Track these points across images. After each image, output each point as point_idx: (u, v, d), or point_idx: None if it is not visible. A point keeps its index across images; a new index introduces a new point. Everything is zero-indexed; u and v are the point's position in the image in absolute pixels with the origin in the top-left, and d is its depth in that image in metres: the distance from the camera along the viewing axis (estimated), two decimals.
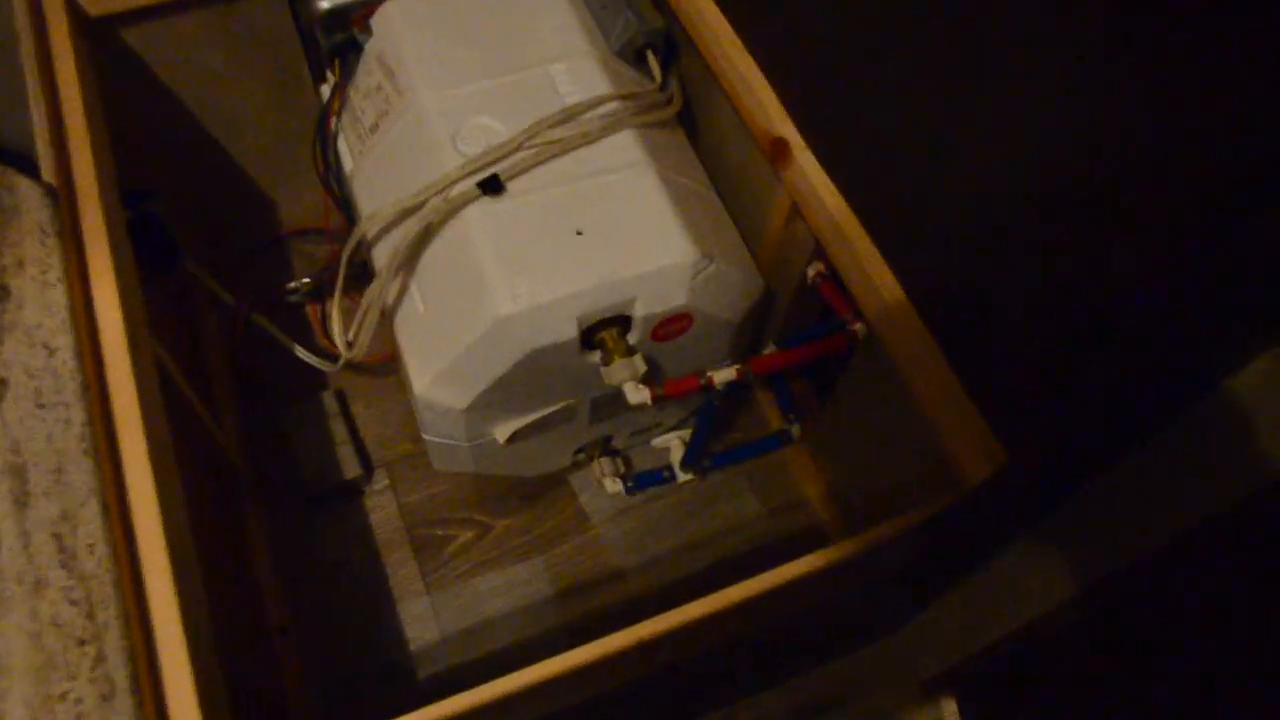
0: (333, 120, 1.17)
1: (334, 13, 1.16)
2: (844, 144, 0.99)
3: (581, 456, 1.26)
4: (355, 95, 1.15)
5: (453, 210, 0.99)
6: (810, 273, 1.11)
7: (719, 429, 1.31)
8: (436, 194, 0.98)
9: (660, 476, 1.23)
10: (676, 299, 0.99)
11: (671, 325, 1.02)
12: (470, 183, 0.98)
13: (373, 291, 0.99)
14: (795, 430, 1.28)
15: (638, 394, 0.97)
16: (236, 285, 1.28)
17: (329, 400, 1.28)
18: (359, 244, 1.04)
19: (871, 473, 1.15)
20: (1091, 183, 0.72)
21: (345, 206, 1.16)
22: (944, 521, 0.90)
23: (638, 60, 1.17)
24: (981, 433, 0.84)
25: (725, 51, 1.05)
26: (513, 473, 1.22)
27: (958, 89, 0.83)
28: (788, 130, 1.01)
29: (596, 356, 1.01)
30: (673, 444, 1.25)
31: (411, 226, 0.98)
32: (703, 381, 0.99)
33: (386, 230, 1.03)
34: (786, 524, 1.29)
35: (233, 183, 1.37)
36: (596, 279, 0.95)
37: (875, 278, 0.91)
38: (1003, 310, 0.87)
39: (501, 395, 1.01)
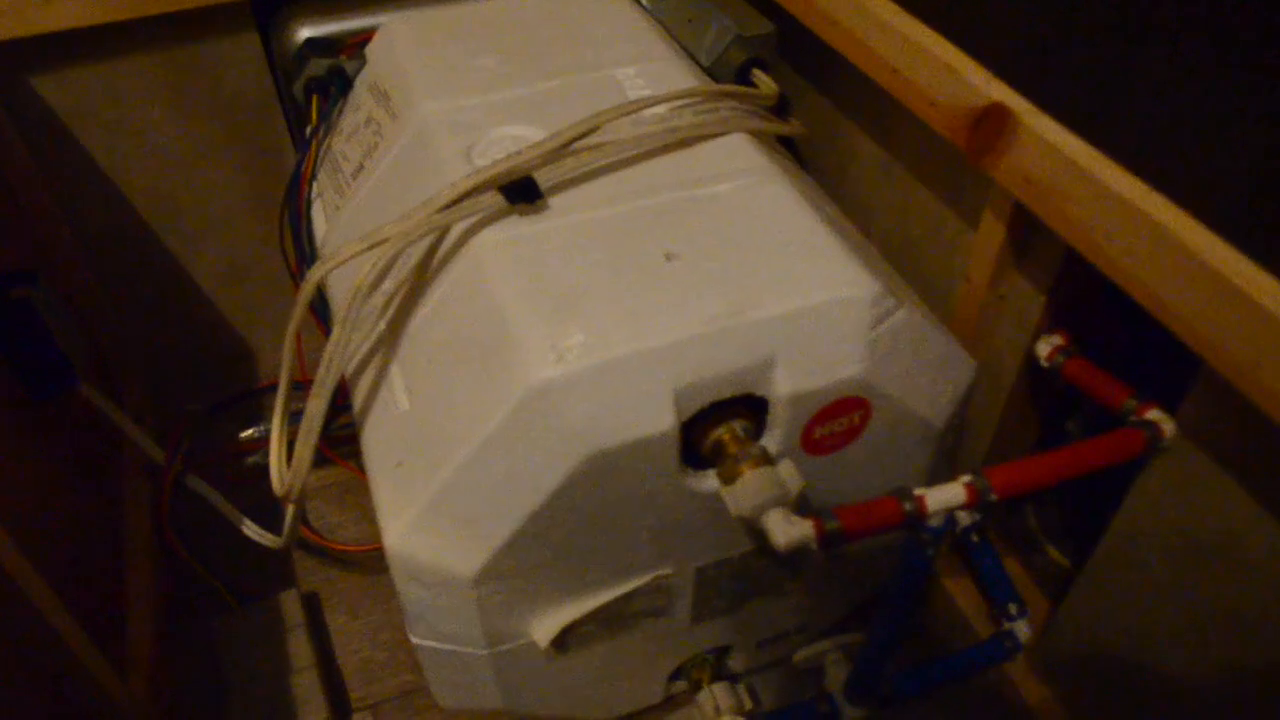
0: (306, 186, 0.81)
1: (317, 42, 0.84)
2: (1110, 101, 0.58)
3: (681, 685, 0.78)
4: (338, 142, 0.80)
5: (461, 238, 0.60)
6: (1044, 350, 0.68)
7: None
8: (435, 211, 0.59)
9: (812, 712, 0.74)
10: (847, 365, 0.56)
11: (834, 418, 0.58)
12: (488, 195, 0.59)
13: (325, 374, 0.58)
14: (1023, 631, 0.78)
15: (791, 530, 0.51)
16: (177, 439, 0.88)
17: (289, 606, 0.84)
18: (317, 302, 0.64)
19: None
20: None
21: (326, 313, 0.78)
22: None
23: (739, 80, 0.81)
24: None
25: (880, 20, 0.68)
26: (569, 714, 0.74)
27: None
28: (1001, 93, 0.61)
29: (710, 477, 0.57)
30: (829, 658, 0.76)
31: (389, 266, 0.59)
32: (906, 507, 0.53)
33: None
34: None
35: (188, 310, 1.00)
36: (703, 324, 0.53)
37: (1233, 294, 0.47)
38: None
39: (540, 552, 0.56)
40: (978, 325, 0.72)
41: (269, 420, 0.91)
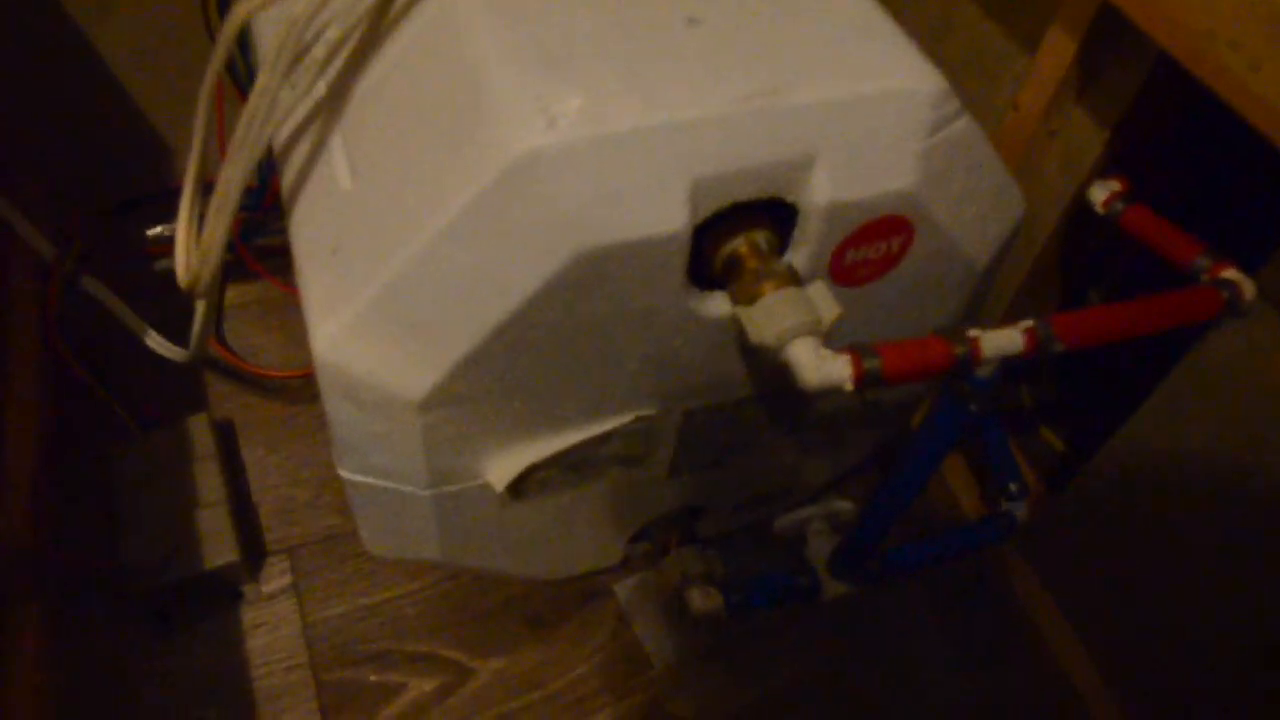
0: None
1: None
2: None
3: (644, 548, 0.70)
4: None
5: None
6: (1100, 195, 0.59)
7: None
8: None
9: (790, 585, 0.66)
10: (897, 175, 0.46)
11: (871, 242, 0.48)
12: None
13: (245, 132, 0.46)
14: (1021, 511, 0.71)
15: (824, 366, 0.42)
16: (70, 235, 0.75)
17: (198, 432, 0.73)
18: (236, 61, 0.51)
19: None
20: None
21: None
22: None
23: None
24: None
25: None
26: (515, 571, 0.65)
27: None
28: None
29: (717, 300, 0.47)
30: (812, 528, 0.68)
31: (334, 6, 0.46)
32: (957, 350, 0.44)
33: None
34: (1001, 685, 0.71)
35: (92, 95, 0.85)
36: (731, 103, 0.42)
37: None
38: None
39: (506, 375, 0.46)
40: (1020, 163, 0.62)
41: None
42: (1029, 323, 0.45)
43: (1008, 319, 0.69)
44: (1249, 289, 0.51)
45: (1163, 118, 0.59)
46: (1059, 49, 0.58)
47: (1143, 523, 0.64)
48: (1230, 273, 0.52)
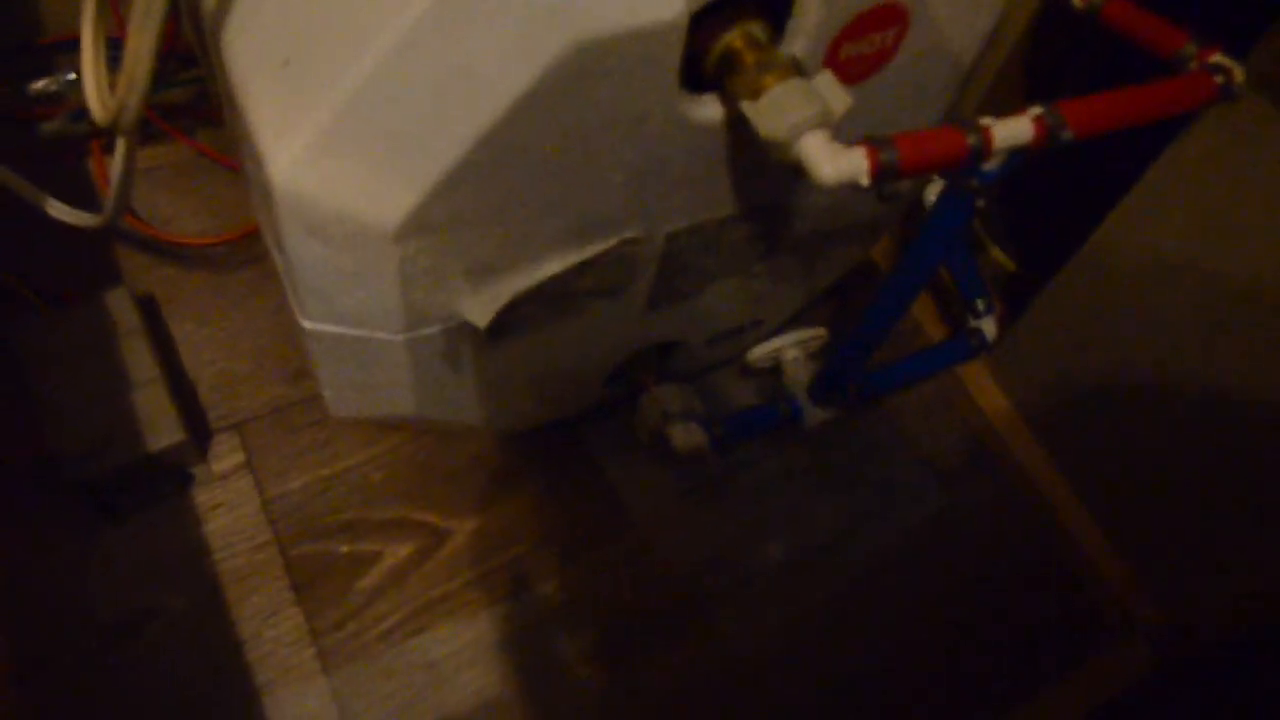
0: None
1: None
2: None
3: (619, 390, 0.68)
4: None
5: None
6: None
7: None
8: None
9: (772, 415, 0.65)
10: None
11: (868, 34, 0.45)
12: None
13: None
14: (990, 328, 0.71)
15: (840, 160, 0.39)
16: None
17: (119, 306, 0.66)
18: None
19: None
20: None
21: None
22: None
23: None
24: None
25: None
26: (492, 422, 0.62)
27: None
28: None
29: (710, 103, 0.44)
30: (788, 357, 0.67)
31: None
32: (970, 140, 0.42)
33: None
34: (974, 497, 0.73)
35: None
36: None
37: None
38: None
39: (489, 193, 0.42)
40: None
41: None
42: (1037, 110, 0.43)
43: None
44: (1239, 72, 0.50)
45: None
46: None
47: (1112, 327, 0.64)
48: (1218, 57, 0.51)
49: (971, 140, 0.42)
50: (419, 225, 0.42)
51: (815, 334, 0.67)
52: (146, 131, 0.72)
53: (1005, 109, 0.62)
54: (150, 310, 0.71)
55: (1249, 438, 0.58)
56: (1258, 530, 0.59)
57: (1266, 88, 0.51)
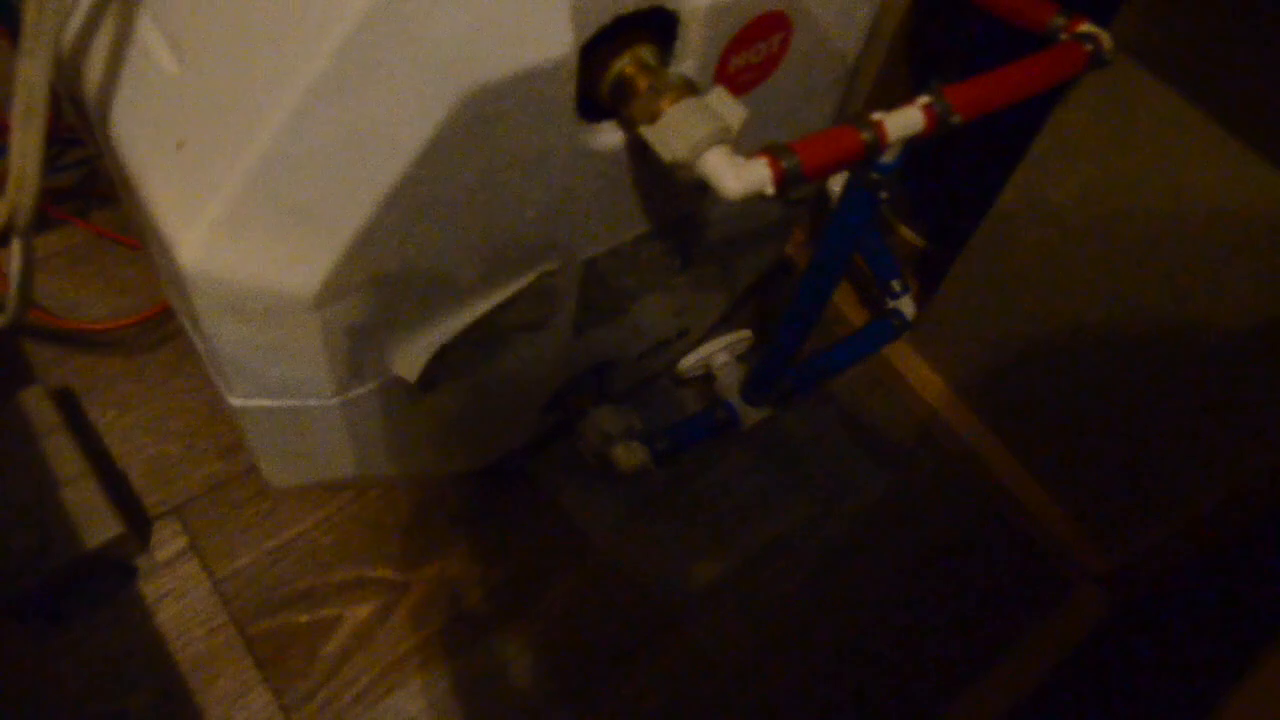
0: None
1: None
2: None
3: (554, 418, 0.68)
4: None
5: None
6: None
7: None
8: None
9: (709, 421, 0.66)
10: None
11: (754, 43, 0.46)
12: None
13: (39, 17, 0.38)
14: (908, 307, 0.73)
15: (744, 173, 0.40)
16: None
17: (35, 405, 0.64)
18: None
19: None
20: None
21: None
22: None
23: None
24: None
25: None
26: (434, 469, 0.62)
27: None
28: None
29: (608, 130, 0.44)
30: (716, 362, 0.68)
31: None
32: (865, 136, 0.43)
33: None
34: (918, 475, 0.75)
35: None
36: None
37: None
38: None
39: (402, 249, 0.42)
40: None
41: None
42: (925, 99, 0.45)
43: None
44: (1107, 39, 0.52)
45: None
46: None
47: (1024, 291, 0.66)
48: (1086, 26, 0.53)
49: (867, 136, 0.43)
50: (337, 289, 0.42)
51: (741, 336, 0.68)
52: (38, 221, 0.69)
53: (895, 100, 0.64)
54: (69, 404, 0.69)
55: (1162, 375, 0.60)
56: (1183, 463, 0.62)
57: (1133, 51, 0.53)
